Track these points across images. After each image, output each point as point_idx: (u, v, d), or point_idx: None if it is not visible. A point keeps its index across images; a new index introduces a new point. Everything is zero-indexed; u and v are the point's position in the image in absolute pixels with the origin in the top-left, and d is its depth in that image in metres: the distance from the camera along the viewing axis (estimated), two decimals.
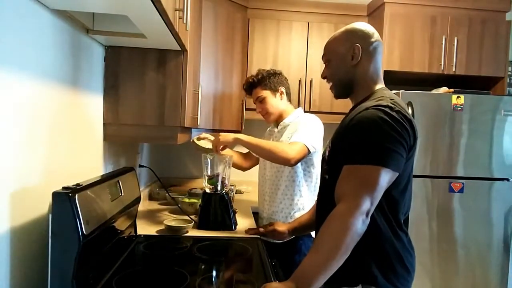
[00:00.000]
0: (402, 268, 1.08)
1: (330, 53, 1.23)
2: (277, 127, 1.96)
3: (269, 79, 1.89)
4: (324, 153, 1.25)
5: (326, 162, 1.19)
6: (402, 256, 1.08)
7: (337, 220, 0.97)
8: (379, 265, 1.05)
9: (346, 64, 1.18)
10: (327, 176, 1.17)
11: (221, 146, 1.72)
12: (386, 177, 0.98)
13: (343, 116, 1.21)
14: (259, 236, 1.57)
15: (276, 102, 1.91)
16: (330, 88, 1.26)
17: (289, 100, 1.98)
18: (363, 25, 1.20)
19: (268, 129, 2.10)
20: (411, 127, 1.04)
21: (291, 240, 1.85)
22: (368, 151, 0.99)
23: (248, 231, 1.64)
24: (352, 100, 1.24)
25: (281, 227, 1.54)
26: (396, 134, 0.99)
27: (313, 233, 1.53)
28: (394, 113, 1.01)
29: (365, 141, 1.01)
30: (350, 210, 0.95)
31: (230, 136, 1.67)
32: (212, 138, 1.92)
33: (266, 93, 1.89)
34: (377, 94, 1.14)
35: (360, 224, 0.95)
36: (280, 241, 1.82)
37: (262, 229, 1.58)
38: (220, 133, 1.72)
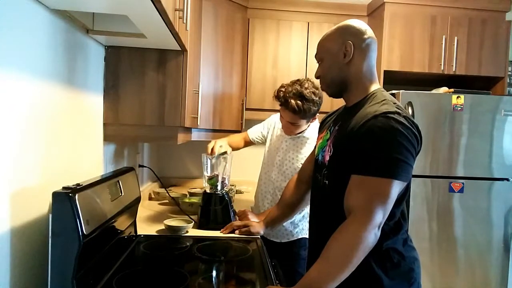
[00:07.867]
0: (402, 259, 1.08)
1: (322, 52, 1.19)
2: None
3: (313, 112, 1.76)
4: (320, 157, 1.21)
5: (325, 166, 1.15)
6: (402, 251, 1.09)
7: (349, 233, 0.96)
8: (381, 265, 1.05)
9: (339, 62, 1.14)
10: (327, 181, 1.14)
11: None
12: (397, 189, 0.98)
13: None
14: (259, 236, 1.57)
15: (304, 126, 1.84)
16: (323, 88, 1.22)
17: None
18: (356, 22, 1.16)
19: (277, 128, 1.99)
20: (418, 132, 1.03)
21: (291, 241, 1.85)
22: (381, 163, 0.98)
23: (223, 231, 1.60)
24: (347, 100, 1.20)
25: (255, 229, 1.56)
26: (408, 145, 0.99)
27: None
28: (403, 120, 1.00)
29: (378, 153, 0.98)
30: (363, 223, 0.95)
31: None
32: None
33: (302, 122, 1.79)
34: (378, 96, 1.11)
35: (372, 238, 0.95)
36: (278, 240, 1.83)
37: (238, 232, 1.58)
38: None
